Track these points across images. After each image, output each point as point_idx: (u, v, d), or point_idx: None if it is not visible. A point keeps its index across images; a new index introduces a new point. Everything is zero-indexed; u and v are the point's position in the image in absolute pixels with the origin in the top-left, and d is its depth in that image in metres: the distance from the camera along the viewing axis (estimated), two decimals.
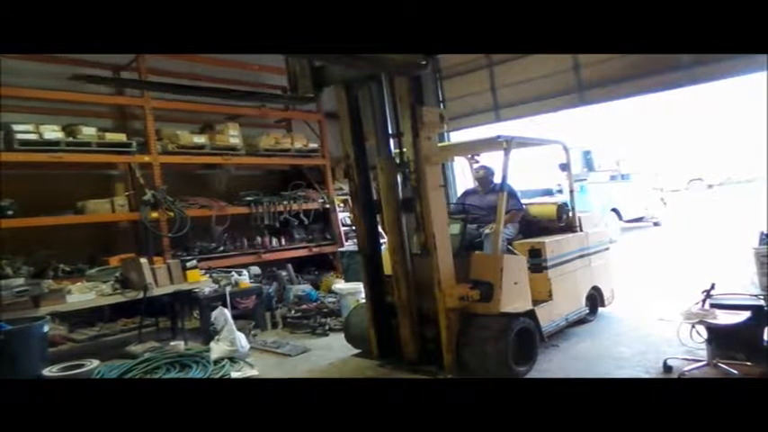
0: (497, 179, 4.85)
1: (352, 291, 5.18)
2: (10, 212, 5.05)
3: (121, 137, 5.81)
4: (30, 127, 5.20)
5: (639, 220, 12.35)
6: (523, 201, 4.99)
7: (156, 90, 5.68)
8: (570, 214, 4.93)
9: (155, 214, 5.81)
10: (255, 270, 6.07)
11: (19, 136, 5.09)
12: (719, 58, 6.20)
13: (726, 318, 3.06)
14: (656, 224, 12.81)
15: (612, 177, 11.79)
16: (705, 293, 3.31)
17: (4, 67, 5.48)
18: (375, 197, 3.95)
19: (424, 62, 2.87)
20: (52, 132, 5.30)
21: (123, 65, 6.09)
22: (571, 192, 5.14)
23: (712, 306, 3.20)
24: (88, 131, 5.53)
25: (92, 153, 5.53)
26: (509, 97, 8.04)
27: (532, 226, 4.82)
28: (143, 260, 4.82)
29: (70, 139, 5.41)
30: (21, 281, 4.35)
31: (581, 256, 4.70)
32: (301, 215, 7.07)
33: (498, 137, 4.08)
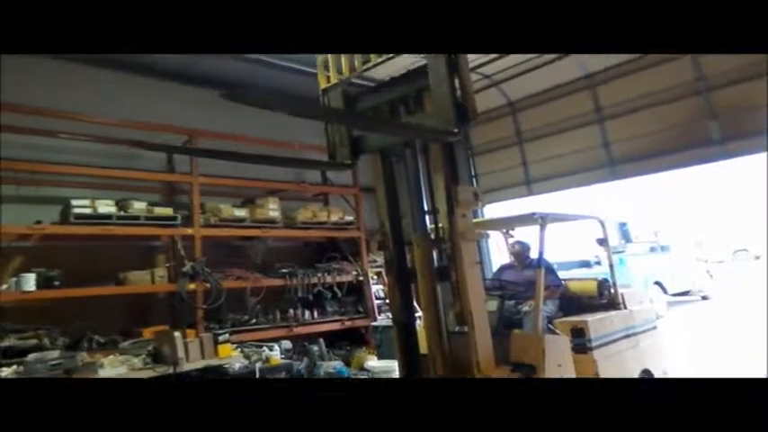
0: (533, 253, 4.77)
1: (386, 369, 5.01)
2: (57, 283, 5.26)
3: (168, 211, 6.12)
4: (86, 201, 5.55)
5: (686, 293, 11.73)
6: (561, 274, 4.86)
7: (205, 156, 5.81)
8: (612, 290, 4.74)
9: (192, 286, 5.93)
10: (287, 344, 5.99)
11: (76, 210, 5.42)
12: (750, 132, 6.18)
13: None
14: (704, 298, 12.12)
15: (652, 249, 11.44)
16: None
17: (77, 148, 6.01)
18: (410, 266, 3.92)
19: (455, 130, 2.97)
20: (106, 207, 5.64)
21: (177, 145, 6.58)
22: (611, 266, 4.99)
23: None
24: (139, 206, 5.86)
25: (140, 226, 5.82)
26: (541, 171, 8.14)
27: (572, 303, 4.64)
28: (176, 333, 4.84)
29: (122, 212, 5.73)
30: (56, 353, 4.37)
31: (627, 336, 4.43)
32: (335, 287, 7.07)
33: (533, 213, 4.08)
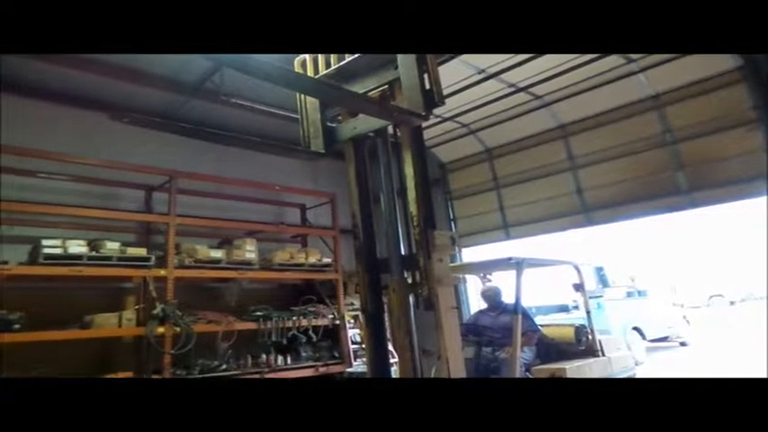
0: (505, 298, 4.78)
1: None
2: (16, 326, 5.00)
3: (142, 251, 5.97)
4: (57, 242, 5.39)
5: (664, 339, 11.77)
6: (539, 319, 4.86)
7: (189, 136, 5.44)
8: (589, 336, 4.75)
9: (161, 329, 5.72)
10: None
11: (45, 251, 5.26)
12: (716, 183, 6.48)
13: None
14: (682, 344, 12.17)
15: (629, 294, 11.55)
16: None
17: (46, 187, 5.92)
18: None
19: (423, 113, 3.02)
20: (77, 247, 5.48)
21: (156, 185, 6.53)
22: (588, 312, 5.02)
23: None
24: (112, 246, 5.70)
25: (111, 267, 5.65)
26: (518, 216, 8.30)
27: (550, 349, 4.62)
28: None
29: (93, 253, 5.57)
30: None
31: None
32: (310, 331, 6.90)
33: (510, 258, 4.12)
